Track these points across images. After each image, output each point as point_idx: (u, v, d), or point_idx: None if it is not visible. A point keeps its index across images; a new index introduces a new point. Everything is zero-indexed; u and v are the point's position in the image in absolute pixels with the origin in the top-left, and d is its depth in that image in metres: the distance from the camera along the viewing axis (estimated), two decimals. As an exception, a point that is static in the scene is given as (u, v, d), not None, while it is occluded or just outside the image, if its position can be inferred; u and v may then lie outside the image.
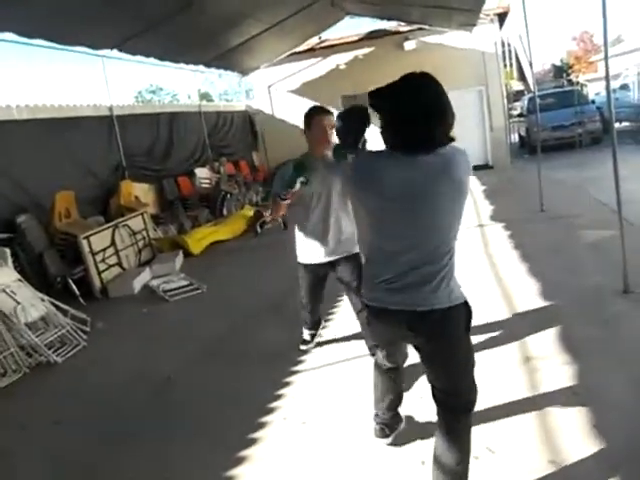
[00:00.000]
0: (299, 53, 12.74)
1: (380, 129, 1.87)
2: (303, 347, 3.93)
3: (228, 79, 19.18)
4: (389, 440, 2.64)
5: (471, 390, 2.07)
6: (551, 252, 5.34)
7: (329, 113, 3.17)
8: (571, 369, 3.08)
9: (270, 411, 3.17)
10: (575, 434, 2.51)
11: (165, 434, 3.12)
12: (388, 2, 9.52)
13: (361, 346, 3.57)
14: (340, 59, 13.07)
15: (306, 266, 3.51)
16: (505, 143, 11.45)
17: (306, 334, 3.95)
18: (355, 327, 3.79)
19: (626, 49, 22.99)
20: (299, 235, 3.48)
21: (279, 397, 3.32)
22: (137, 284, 6.32)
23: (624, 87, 16.55)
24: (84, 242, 6.19)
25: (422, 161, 1.79)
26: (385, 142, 1.89)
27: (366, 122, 2.29)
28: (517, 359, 3.32)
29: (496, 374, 3.16)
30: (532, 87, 16.89)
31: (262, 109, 13.80)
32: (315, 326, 3.99)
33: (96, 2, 5.65)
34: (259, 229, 8.85)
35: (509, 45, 38.27)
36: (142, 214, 7.65)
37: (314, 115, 3.17)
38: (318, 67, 13.24)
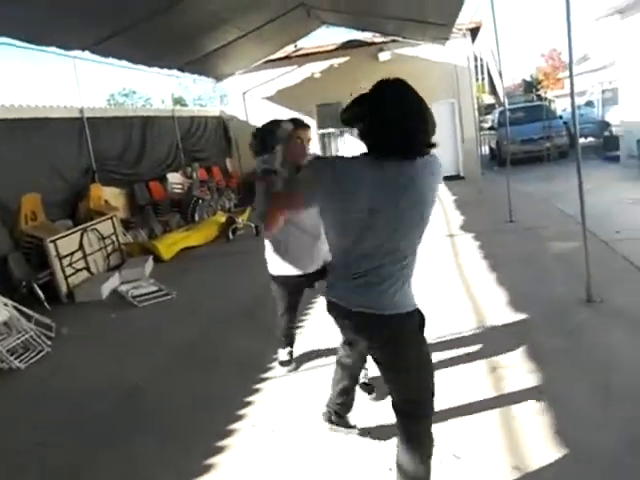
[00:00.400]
0: (275, 60, 12.78)
1: (360, 135, 1.86)
2: (286, 368, 3.70)
3: (203, 84, 19.09)
4: (329, 426, 2.80)
5: (430, 396, 2.04)
6: (519, 263, 5.46)
7: (307, 127, 3.19)
8: (536, 377, 3.15)
9: (239, 418, 3.14)
10: (539, 441, 2.57)
11: (134, 440, 3.07)
12: (364, 14, 9.64)
13: (331, 354, 3.57)
14: (315, 67, 13.16)
15: (284, 278, 3.36)
16: (476, 155, 11.67)
17: (283, 354, 3.73)
18: (325, 335, 3.80)
19: (592, 67, 23.70)
20: (275, 247, 3.33)
21: (249, 404, 3.30)
22: (105, 289, 6.20)
23: (589, 104, 17.08)
24: (50, 246, 6.05)
25: (397, 166, 1.79)
26: (374, 144, 1.85)
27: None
28: (484, 368, 3.36)
29: (463, 383, 3.21)
30: (503, 101, 17.26)
31: (236, 115, 13.78)
32: (291, 343, 3.81)
33: (68, 2, 5.57)
34: (231, 235, 8.86)
35: (481, 59, 39.11)
36: (111, 218, 7.53)
37: (295, 129, 3.06)
38: (293, 75, 13.31)
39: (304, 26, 11.26)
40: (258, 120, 13.44)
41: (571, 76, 4.12)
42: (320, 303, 4.33)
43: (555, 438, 2.56)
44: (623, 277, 4.67)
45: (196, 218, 9.84)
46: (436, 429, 2.08)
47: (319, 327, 4.12)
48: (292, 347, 3.77)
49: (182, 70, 10.63)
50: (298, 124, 3.10)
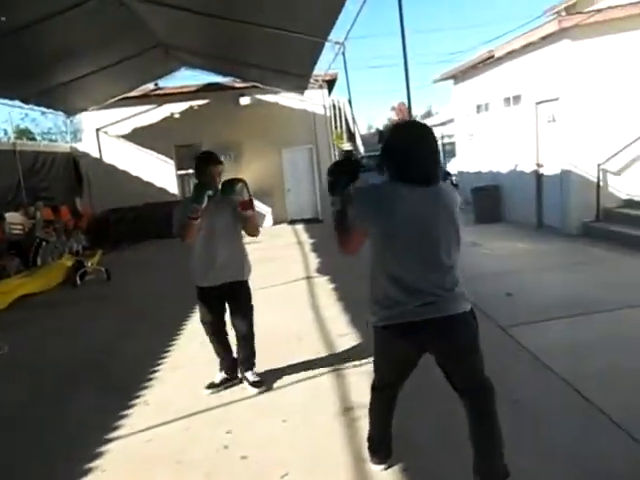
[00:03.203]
0: (132, 98, 12.39)
1: (390, 166, 2.22)
2: (206, 391, 3.76)
3: (54, 118, 17.80)
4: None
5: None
6: (371, 303, 5.69)
7: (220, 163, 3.56)
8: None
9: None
10: (387, 481, 2.61)
11: None
12: (224, 59, 9.76)
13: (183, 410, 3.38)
14: (175, 108, 12.97)
15: (201, 289, 3.67)
16: (334, 199, 12.23)
17: (217, 376, 3.85)
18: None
19: (435, 122, 26.29)
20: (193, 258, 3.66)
21: (85, 473, 2.96)
22: None
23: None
24: None
25: (428, 191, 2.16)
26: (396, 176, 2.19)
27: (356, 173, 2.45)
28: (337, 410, 3.40)
29: (316, 424, 3.22)
30: (359, 148, 18.35)
31: (89, 152, 13.00)
32: (229, 370, 3.85)
33: None
34: (79, 280, 8.17)
35: (339, 109, 41.57)
36: None
37: (208, 165, 3.51)
38: (152, 114, 12.98)
39: (163, 66, 11.11)
40: (113, 159, 12.88)
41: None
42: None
43: (403, 476, 2.62)
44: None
45: (39, 262, 8.94)
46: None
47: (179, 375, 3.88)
48: (229, 376, 3.86)
49: (26, 102, 9.83)
50: (212, 161, 3.53)
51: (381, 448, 2.68)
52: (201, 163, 3.53)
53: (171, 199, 13.02)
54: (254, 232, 3.65)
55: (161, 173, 13.02)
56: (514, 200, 10.24)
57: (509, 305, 5.15)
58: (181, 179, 13.33)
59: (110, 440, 3.28)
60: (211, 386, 3.81)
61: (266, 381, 3.83)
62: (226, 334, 3.84)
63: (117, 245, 11.79)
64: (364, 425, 3.16)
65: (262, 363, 4.03)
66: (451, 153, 15.78)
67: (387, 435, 2.66)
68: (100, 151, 12.95)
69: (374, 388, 2.62)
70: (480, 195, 10.74)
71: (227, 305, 3.72)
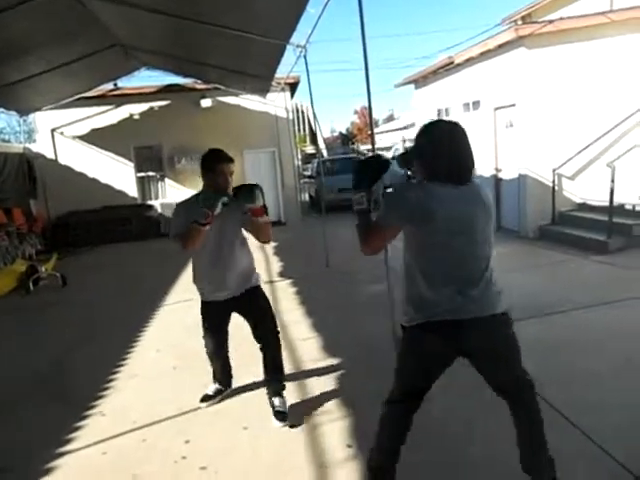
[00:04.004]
0: (89, 98, 12.02)
1: (424, 166, 2.21)
2: (202, 404, 3.57)
3: (7, 117, 17.18)
4: None
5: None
6: (334, 307, 5.70)
7: (231, 161, 3.22)
8: (347, 422, 3.22)
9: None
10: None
11: None
12: (184, 59, 9.60)
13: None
14: (135, 109, 12.69)
15: (207, 304, 3.40)
16: (296, 201, 12.17)
17: (210, 388, 3.66)
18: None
19: (397, 126, 26.67)
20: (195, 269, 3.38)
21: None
22: None
23: (395, 158, 19.08)
24: None
25: (465, 190, 2.14)
26: (432, 174, 2.15)
27: (382, 170, 2.39)
28: (300, 416, 3.36)
29: (277, 432, 3.17)
30: (321, 152, 18.35)
31: (44, 153, 12.58)
32: (223, 381, 3.67)
33: None
34: (32, 286, 7.87)
35: (302, 112, 41.67)
36: None
37: (220, 163, 3.17)
38: (111, 115, 12.67)
39: (122, 66, 10.81)
40: (70, 160, 12.50)
41: (372, 135, 4.55)
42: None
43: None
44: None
45: (-11, 267, 8.58)
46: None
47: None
48: (224, 387, 3.68)
49: (-27, 100, 9.43)
50: (223, 158, 3.18)
51: (387, 471, 2.40)
52: (211, 161, 3.17)
53: (131, 202, 12.78)
54: (266, 239, 3.33)
55: (120, 175, 12.68)
56: (474, 203, 10.42)
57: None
58: (141, 181, 13.05)
59: (63, 454, 3.15)
60: (206, 399, 3.60)
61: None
62: (227, 348, 3.65)
63: (74, 249, 11.44)
64: (327, 430, 3.16)
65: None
66: (412, 157, 15.98)
67: (395, 460, 2.37)
68: (56, 152, 12.53)
69: (391, 401, 2.38)
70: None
71: (247, 319, 3.44)
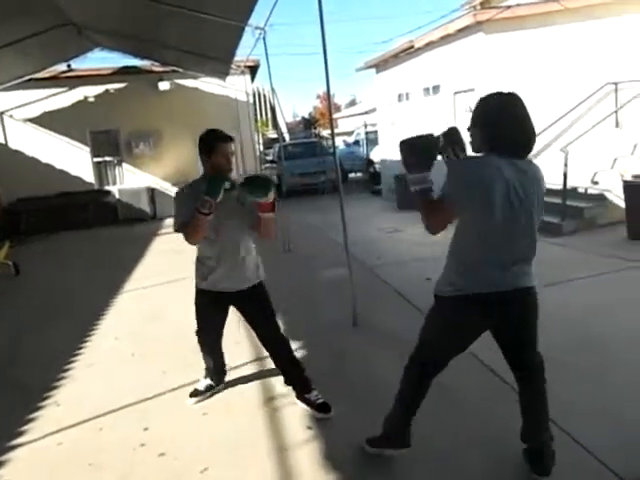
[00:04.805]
0: (41, 80, 11.57)
1: (484, 138, 2.20)
2: (191, 400, 3.41)
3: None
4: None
5: None
6: (293, 291, 5.70)
7: (231, 140, 2.99)
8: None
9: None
10: (311, 470, 2.62)
11: None
12: (139, 40, 9.32)
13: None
14: (90, 92, 12.30)
15: (203, 292, 3.19)
16: (258, 187, 12.11)
17: (201, 383, 3.49)
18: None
19: (359, 111, 26.68)
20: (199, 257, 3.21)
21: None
22: None
23: (357, 143, 19.10)
24: None
25: (523, 164, 2.15)
26: (496, 143, 2.14)
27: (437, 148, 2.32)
28: (259, 400, 3.38)
29: (237, 416, 3.18)
30: (283, 136, 18.25)
31: (-7, 138, 12.07)
32: (215, 376, 3.50)
33: None
34: (-18, 276, 7.57)
35: (264, 96, 41.17)
36: None
37: (218, 142, 2.93)
38: (64, 97, 12.23)
39: (76, 46, 10.42)
40: (21, 144, 12.03)
41: (331, 121, 4.61)
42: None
43: (325, 464, 2.64)
44: (383, 299, 5.20)
45: None
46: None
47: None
48: (215, 382, 3.51)
49: None
50: (223, 137, 2.94)
51: (401, 436, 2.56)
52: (209, 141, 2.93)
53: (87, 188, 12.42)
54: (270, 235, 3.07)
55: (76, 160, 12.28)
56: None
57: (429, 290, 5.30)
58: (98, 167, 12.68)
59: (16, 446, 3.07)
60: (195, 394, 3.44)
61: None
62: (221, 344, 3.49)
63: (28, 237, 11.05)
64: (287, 414, 3.18)
65: (181, 358, 3.93)
66: (374, 141, 16.00)
67: (410, 421, 2.53)
68: (5, 136, 12.03)
69: (416, 364, 2.44)
70: (402, 182, 10.99)
71: (247, 316, 3.29)
